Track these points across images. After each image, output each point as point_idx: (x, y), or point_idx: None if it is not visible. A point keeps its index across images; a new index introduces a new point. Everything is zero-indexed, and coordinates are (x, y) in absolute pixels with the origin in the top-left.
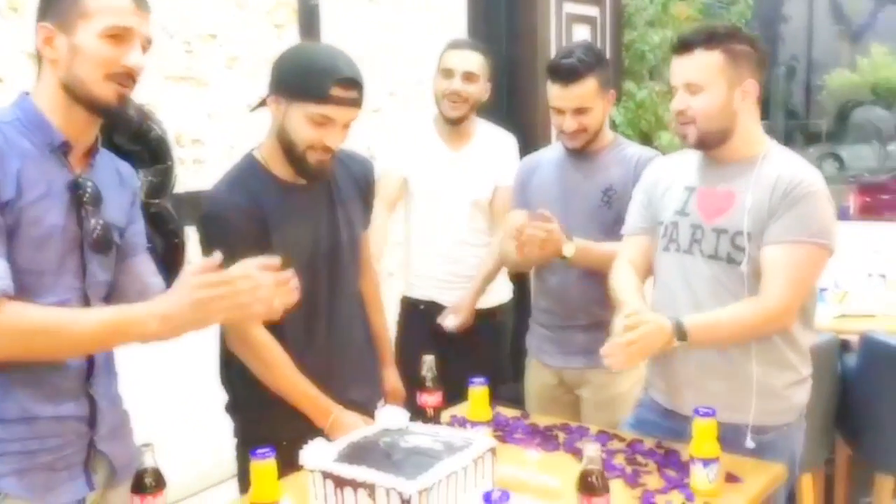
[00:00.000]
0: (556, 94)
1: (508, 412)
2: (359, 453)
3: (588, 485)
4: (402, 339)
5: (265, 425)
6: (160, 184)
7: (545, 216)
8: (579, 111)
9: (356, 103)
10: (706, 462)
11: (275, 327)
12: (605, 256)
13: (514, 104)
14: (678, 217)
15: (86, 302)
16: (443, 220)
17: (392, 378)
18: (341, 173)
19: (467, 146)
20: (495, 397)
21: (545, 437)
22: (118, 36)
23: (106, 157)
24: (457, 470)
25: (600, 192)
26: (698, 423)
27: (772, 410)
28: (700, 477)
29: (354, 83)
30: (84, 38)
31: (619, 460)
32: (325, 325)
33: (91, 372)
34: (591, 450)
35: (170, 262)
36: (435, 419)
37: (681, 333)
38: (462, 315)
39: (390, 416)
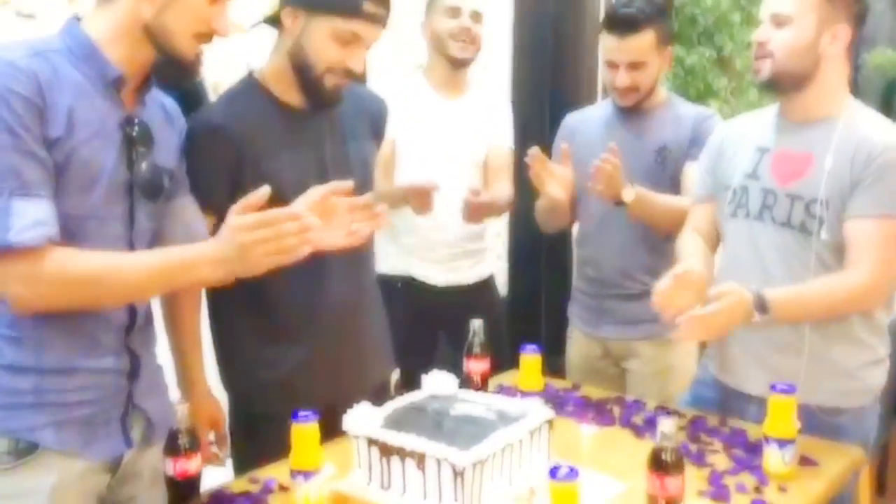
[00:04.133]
0: (611, 45)
1: (558, 383)
2: (406, 420)
3: (661, 463)
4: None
5: (262, 400)
6: None
7: (613, 150)
8: (634, 66)
9: (384, 22)
10: (782, 443)
11: (273, 286)
12: (666, 207)
13: (558, 60)
14: (748, 181)
15: (131, 251)
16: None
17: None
18: (353, 106)
19: (463, 97)
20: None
21: (599, 411)
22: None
23: (153, 92)
24: (512, 442)
25: (653, 151)
26: (776, 400)
27: (846, 391)
28: (775, 459)
29: None
30: None
31: (681, 438)
32: (335, 281)
33: (132, 326)
34: (667, 425)
35: None
36: (482, 388)
37: (762, 307)
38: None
39: (438, 381)
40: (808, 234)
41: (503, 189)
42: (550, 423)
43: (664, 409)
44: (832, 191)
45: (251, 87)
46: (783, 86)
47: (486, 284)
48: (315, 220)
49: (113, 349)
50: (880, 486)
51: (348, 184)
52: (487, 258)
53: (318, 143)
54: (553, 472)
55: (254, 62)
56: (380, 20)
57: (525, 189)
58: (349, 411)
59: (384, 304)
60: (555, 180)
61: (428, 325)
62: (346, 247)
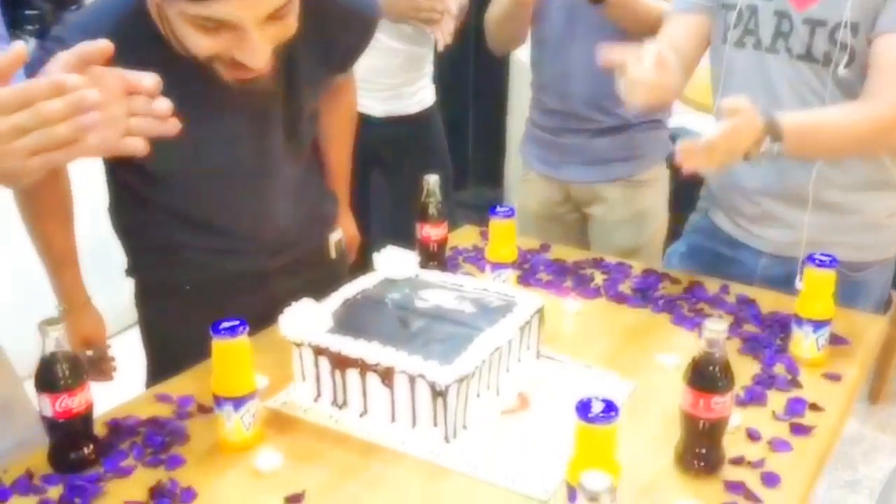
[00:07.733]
0: None
1: (523, 242)
2: (362, 319)
3: (707, 378)
4: None
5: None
6: None
7: None
8: None
9: None
10: (818, 325)
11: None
12: (649, 9)
13: None
14: (758, 1)
15: None
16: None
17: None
18: (311, 44)
19: None
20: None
21: (578, 279)
22: None
23: None
24: (501, 346)
25: None
26: (813, 274)
27: (873, 244)
28: (808, 343)
29: None
30: None
31: (685, 310)
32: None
33: None
34: (716, 330)
35: None
36: (439, 256)
37: (775, 133)
38: None
39: (393, 260)
40: (833, 68)
41: None
42: (541, 313)
43: (654, 274)
44: (863, 11)
45: (139, 13)
46: None
47: (430, 113)
48: (94, 93)
49: None
50: None
51: (107, 45)
52: (421, 91)
53: (237, 111)
54: (584, 411)
55: None
56: None
57: None
58: (286, 311)
59: None
60: None
61: (363, 163)
62: (117, 153)
